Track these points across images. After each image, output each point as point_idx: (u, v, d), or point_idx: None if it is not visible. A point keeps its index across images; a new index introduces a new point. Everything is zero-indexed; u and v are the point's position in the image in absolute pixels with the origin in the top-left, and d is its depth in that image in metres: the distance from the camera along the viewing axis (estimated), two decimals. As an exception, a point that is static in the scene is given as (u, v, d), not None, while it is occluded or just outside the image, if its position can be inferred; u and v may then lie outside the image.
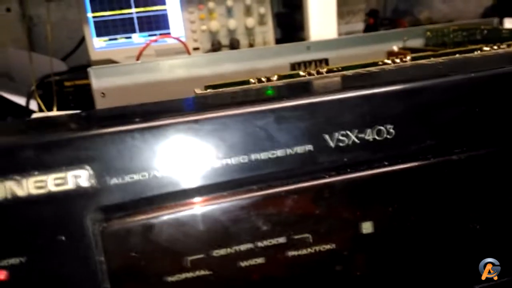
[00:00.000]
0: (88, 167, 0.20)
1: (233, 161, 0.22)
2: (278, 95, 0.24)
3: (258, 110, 0.22)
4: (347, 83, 0.27)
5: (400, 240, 0.24)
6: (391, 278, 0.24)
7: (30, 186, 0.20)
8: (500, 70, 0.24)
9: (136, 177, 0.21)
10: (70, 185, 0.20)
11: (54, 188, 0.20)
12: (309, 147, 0.23)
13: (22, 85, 0.85)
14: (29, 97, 0.78)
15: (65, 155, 0.20)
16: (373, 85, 0.23)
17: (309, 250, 0.23)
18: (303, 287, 0.24)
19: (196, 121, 0.21)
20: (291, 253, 0.23)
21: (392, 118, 0.23)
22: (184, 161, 0.21)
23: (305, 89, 0.27)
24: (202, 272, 0.22)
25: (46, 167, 0.20)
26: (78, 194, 0.20)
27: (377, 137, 0.23)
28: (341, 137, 0.23)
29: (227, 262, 0.22)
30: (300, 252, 0.23)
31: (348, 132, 0.23)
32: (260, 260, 0.23)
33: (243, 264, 0.22)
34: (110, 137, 0.20)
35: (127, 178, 0.21)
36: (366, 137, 0.23)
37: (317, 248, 0.23)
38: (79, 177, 0.20)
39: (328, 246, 0.23)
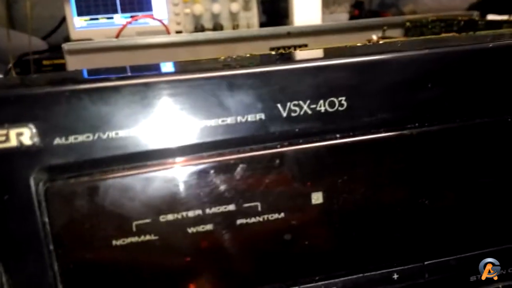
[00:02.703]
0: (31, 126, 0.20)
1: (182, 126, 0.22)
2: (232, 64, 0.24)
3: (209, 76, 0.22)
4: (303, 55, 0.27)
5: (349, 212, 0.24)
6: (338, 249, 0.25)
7: (-30, 142, 0.19)
8: (456, 48, 0.25)
9: (80, 138, 0.21)
10: (12, 143, 0.20)
11: (-4, 146, 0.20)
12: (261, 115, 0.23)
13: (1, 63, 0.83)
14: (6, 75, 0.76)
15: (8, 112, 0.20)
16: (327, 57, 0.23)
17: (258, 218, 0.23)
18: (252, 255, 0.24)
19: (145, 84, 0.21)
20: (240, 221, 0.23)
21: (345, 90, 0.23)
22: (131, 125, 0.21)
23: (263, 60, 0.27)
24: (148, 237, 0.22)
25: (-13, 124, 0.20)
26: (21, 152, 0.20)
27: (329, 109, 0.23)
28: (293, 107, 0.23)
29: (175, 227, 0.22)
30: (249, 220, 0.23)
31: (301, 102, 0.23)
32: (208, 227, 0.23)
33: (191, 230, 0.22)
34: (55, 97, 0.20)
35: (71, 139, 0.20)
36: (318, 108, 0.23)
37: (266, 216, 0.23)
38: (22, 135, 0.20)
39: (277, 215, 0.23)
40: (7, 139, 0.20)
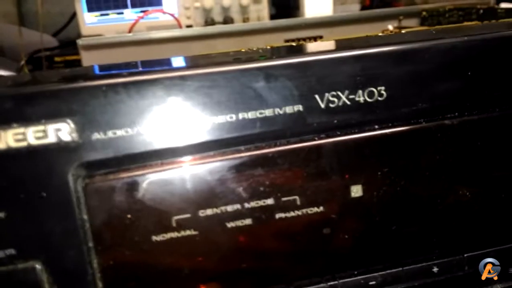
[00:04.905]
0: (69, 121, 0.20)
1: (220, 119, 0.21)
2: (268, 55, 0.23)
3: (246, 68, 0.21)
4: (340, 45, 0.27)
5: (389, 204, 0.24)
6: (378, 242, 0.24)
7: (9, 138, 0.19)
8: (495, 34, 0.24)
9: (119, 132, 0.20)
10: (50, 139, 0.20)
11: (34, 142, 0.19)
12: (299, 107, 0.22)
13: (12, 60, 0.83)
14: (18, 72, 0.76)
15: (45, 107, 0.19)
16: (365, 46, 0.23)
17: (297, 212, 0.23)
18: (290, 249, 0.23)
19: (182, 77, 0.21)
20: (279, 215, 0.22)
21: (384, 80, 0.23)
22: (170, 118, 0.21)
23: (296, 49, 0.26)
24: (188, 232, 0.22)
25: (25, 119, 0.19)
26: (60, 148, 0.20)
27: (368, 99, 0.23)
28: (331, 98, 0.22)
29: (214, 222, 0.22)
30: (287, 214, 0.23)
31: (339, 93, 0.22)
32: (247, 221, 0.22)
33: (230, 225, 0.22)
34: (92, 91, 0.20)
35: (110, 134, 0.20)
36: (357, 99, 0.22)
37: (305, 210, 0.23)
38: (60, 131, 0.20)
39: (316, 209, 0.23)
40: (45, 135, 0.19)
